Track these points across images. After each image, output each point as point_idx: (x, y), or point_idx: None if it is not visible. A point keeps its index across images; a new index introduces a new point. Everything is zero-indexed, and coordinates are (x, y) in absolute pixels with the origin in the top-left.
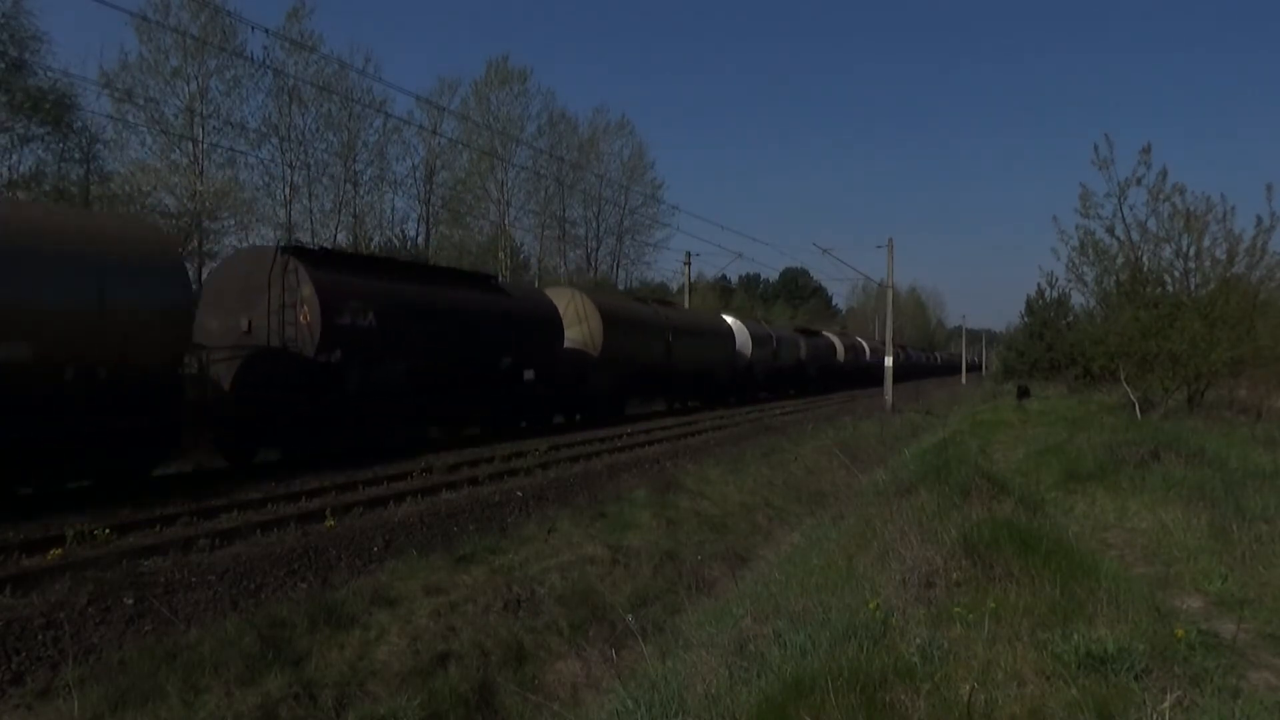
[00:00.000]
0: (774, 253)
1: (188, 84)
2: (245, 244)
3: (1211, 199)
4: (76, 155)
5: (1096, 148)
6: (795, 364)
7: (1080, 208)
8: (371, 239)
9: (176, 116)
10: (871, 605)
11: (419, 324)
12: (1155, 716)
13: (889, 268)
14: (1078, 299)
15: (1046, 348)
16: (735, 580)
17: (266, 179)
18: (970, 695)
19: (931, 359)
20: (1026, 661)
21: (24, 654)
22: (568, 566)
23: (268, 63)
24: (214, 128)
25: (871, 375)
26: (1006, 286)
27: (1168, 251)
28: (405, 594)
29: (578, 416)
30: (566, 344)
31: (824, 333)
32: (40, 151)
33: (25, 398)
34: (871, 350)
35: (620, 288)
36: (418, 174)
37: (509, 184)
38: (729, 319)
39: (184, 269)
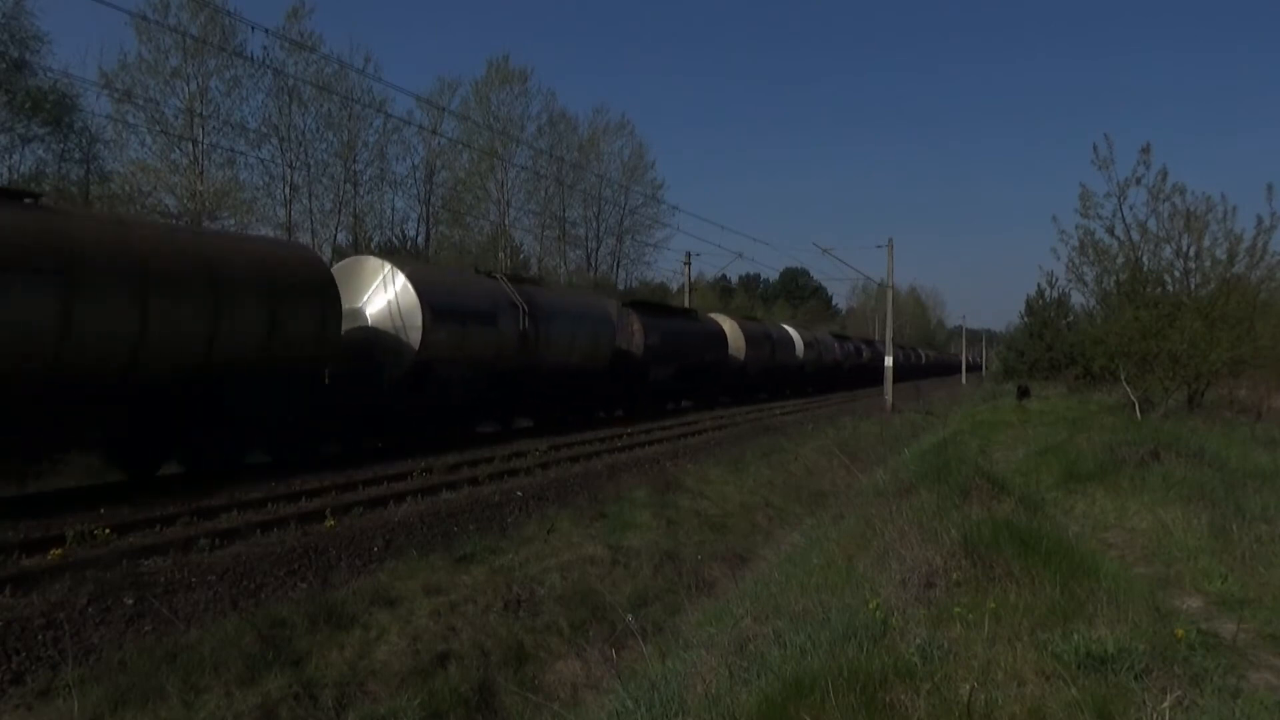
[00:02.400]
0: (774, 253)
1: (187, 84)
2: None
3: (1212, 199)
4: (76, 155)
5: (1096, 148)
6: (615, 360)
7: (1080, 208)
8: (371, 239)
9: (176, 116)
10: (871, 605)
11: None
12: (1155, 716)
13: (889, 268)
14: (1078, 299)
15: (1046, 348)
16: (735, 580)
17: (266, 179)
18: (970, 695)
19: (915, 358)
20: (1026, 661)
21: (24, 654)
22: (568, 566)
23: (268, 63)
24: (214, 128)
25: (804, 383)
26: (1006, 286)
27: (1168, 251)
28: (405, 594)
29: None
30: None
31: (712, 316)
32: (40, 151)
33: None
34: (809, 345)
35: (620, 287)
36: (418, 174)
37: (509, 184)
38: (392, 269)
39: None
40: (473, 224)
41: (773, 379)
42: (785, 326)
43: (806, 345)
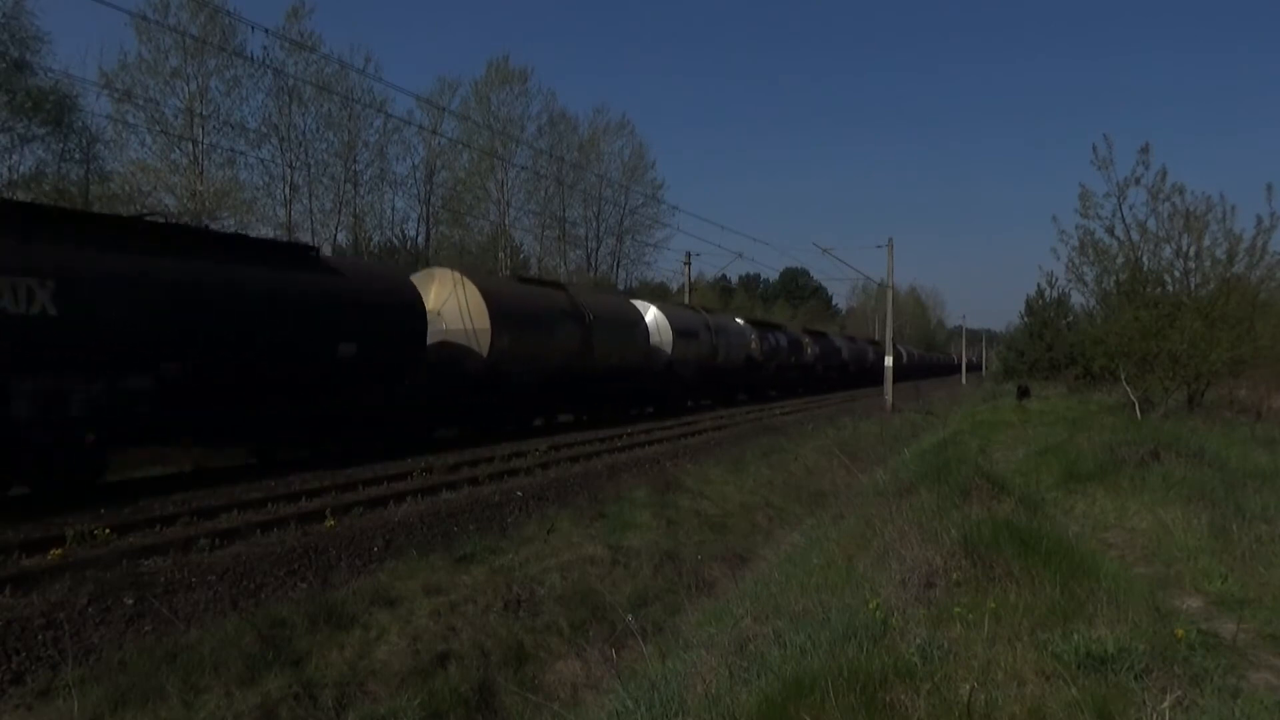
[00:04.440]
0: (774, 253)
1: (187, 84)
2: None
3: (1211, 199)
4: (76, 155)
5: (1096, 148)
6: None
7: (1080, 208)
8: (371, 239)
9: (176, 116)
10: (871, 605)
11: None
12: (1155, 716)
13: (889, 268)
14: (1078, 299)
15: (1046, 348)
16: (735, 580)
17: (266, 179)
18: (970, 695)
19: (864, 356)
20: (1026, 661)
21: (24, 654)
22: (568, 566)
23: (268, 63)
24: (214, 128)
25: (674, 394)
26: (1006, 286)
27: (1168, 251)
28: (405, 594)
29: None
30: None
31: (413, 279)
32: (40, 151)
33: None
34: (686, 334)
35: (620, 288)
36: (418, 174)
37: (509, 184)
38: None
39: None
40: (473, 224)
41: (567, 389)
42: (641, 304)
43: (681, 334)
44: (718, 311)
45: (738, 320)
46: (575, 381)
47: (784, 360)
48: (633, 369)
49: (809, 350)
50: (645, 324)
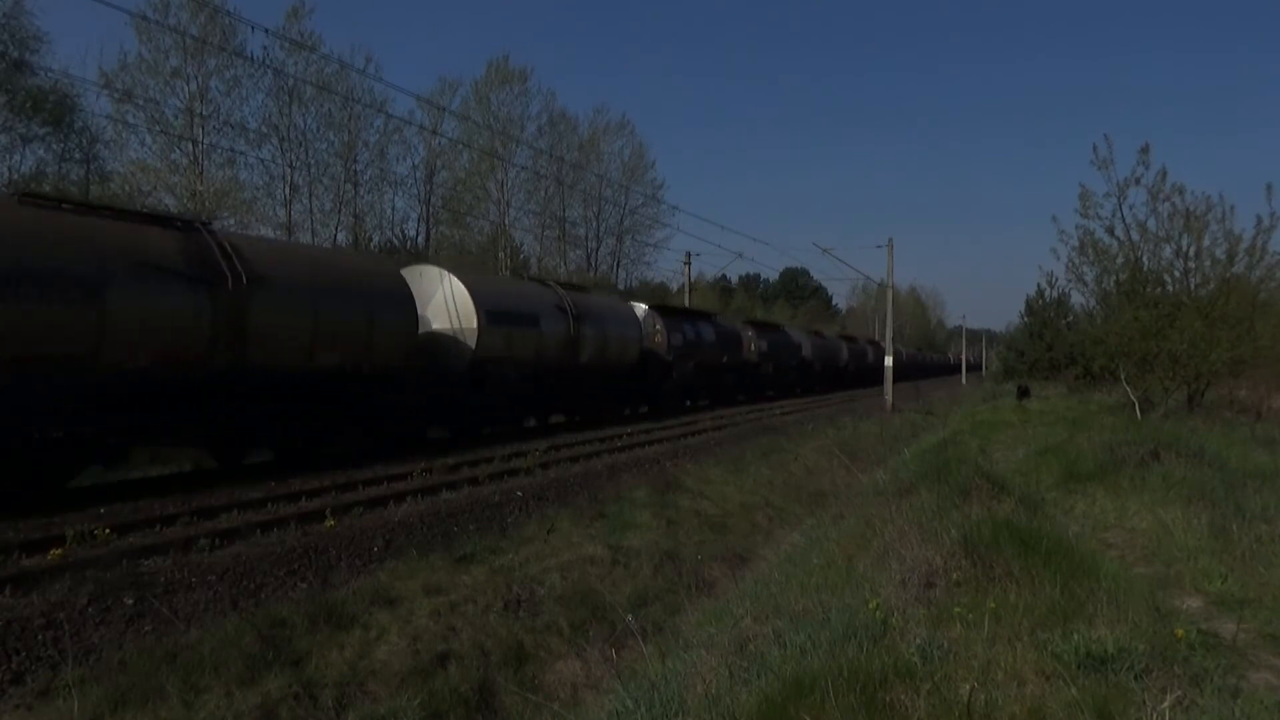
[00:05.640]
0: (774, 253)
1: (187, 84)
2: None
3: (1211, 199)
4: (77, 155)
5: (1096, 148)
6: None
7: (1080, 208)
8: (371, 239)
9: (176, 116)
10: (871, 605)
11: None
12: (1155, 716)
13: (889, 268)
14: (1078, 299)
15: (1046, 348)
16: (735, 580)
17: (266, 179)
18: (970, 695)
19: (835, 355)
20: (1026, 661)
21: (24, 654)
22: (568, 566)
23: (268, 63)
24: (214, 128)
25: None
26: (1006, 286)
27: (1167, 251)
28: (405, 594)
29: None
30: None
31: None
32: (40, 151)
33: None
34: (502, 315)
35: (620, 288)
36: (418, 174)
37: (509, 184)
38: None
39: None
40: (473, 224)
41: (179, 407)
42: (430, 270)
43: (499, 319)
44: (592, 290)
45: (635, 305)
46: (205, 393)
47: (710, 359)
48: (387, 371)
49: (752, 347)
50: (413, 301)
